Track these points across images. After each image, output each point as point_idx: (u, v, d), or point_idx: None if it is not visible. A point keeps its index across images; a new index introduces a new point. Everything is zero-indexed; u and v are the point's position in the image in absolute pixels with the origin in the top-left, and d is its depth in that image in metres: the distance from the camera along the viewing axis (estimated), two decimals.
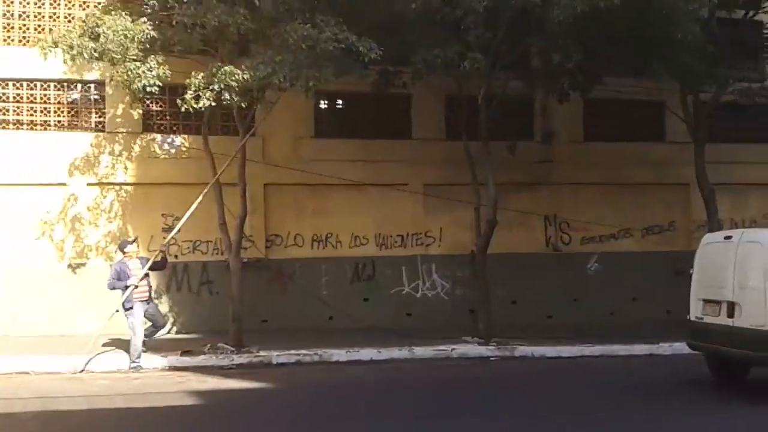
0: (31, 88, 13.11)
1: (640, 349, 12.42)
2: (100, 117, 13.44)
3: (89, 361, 10.49)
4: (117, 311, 10.83)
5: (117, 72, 10.27)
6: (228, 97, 9.54)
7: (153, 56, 10.01)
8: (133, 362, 10.52)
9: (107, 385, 9.39)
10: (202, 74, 9.69)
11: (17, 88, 13.06)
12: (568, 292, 15.23)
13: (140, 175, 13.36)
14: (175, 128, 13.68)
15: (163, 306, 13.27)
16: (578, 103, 15.38)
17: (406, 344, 12.07)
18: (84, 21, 10.14)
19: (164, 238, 12.58)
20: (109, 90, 12.98)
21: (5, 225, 12.82)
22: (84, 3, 13.21)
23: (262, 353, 11.30)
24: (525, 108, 15.45)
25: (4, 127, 12.95)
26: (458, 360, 11.81)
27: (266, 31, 9.68)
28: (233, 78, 9.16)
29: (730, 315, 8.93)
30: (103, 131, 13.36)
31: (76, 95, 13.27)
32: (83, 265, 13.09)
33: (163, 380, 9.74)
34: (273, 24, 9.57)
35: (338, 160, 14.26)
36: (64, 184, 13.05)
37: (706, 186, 13.98)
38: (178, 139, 13.57)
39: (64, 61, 10.35)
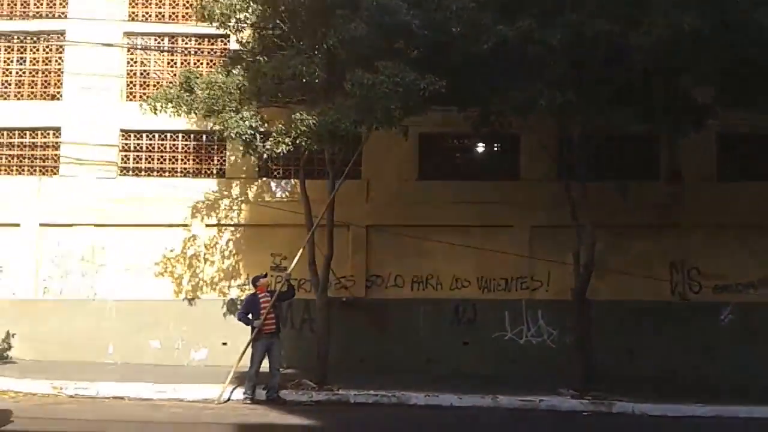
0: (162, 139, 14.70)
1: (763, 411, 10.92)
2: (221, 164, 14.68)
3: (230, 391, 11.11)
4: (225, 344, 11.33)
5: (216, 122, 11.22)
6: (304, 143, 10.04)
7: (246, 106, 10.81)
8: (245, 393, 10.98)
9: (177, 413, 9.98)
10: (282, 122, 10.32)
11: (149, 139, 14.71)
12: (696, 345, 13.81)
13: (253, 217, 14.34)
14: (287, 173, 14.53)
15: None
16: (710, 138, 14.18)
17: (492, 392, 11.60)
18: (181, 74, 11.25)
19: (272, 275, 13.36)
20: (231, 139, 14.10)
21: (132, 262, 14.34)
22: (198, 61, 14.62)
23: (341, 392, 11.46)
24: (648, 145, 14.49)
25: (137, 175, 14.59)
26: (545, 413, 11.14)
27: (340, 79, 10.07)
28: (304, 124, 9.65)
29: None
30: (223, 177, 14.57)
31: (199, 144, 14.61)
32: (198, 299, 14.21)
33: (231, 411, 10.24)
34: (344, 72, 9.94)
35: (442, 201, 14.29)
36: (186, 225, 14.36)
37: None
38: (289, 183, 14.39)
39: (168, 114, 11.46)
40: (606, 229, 14.15)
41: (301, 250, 11.68)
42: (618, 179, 13.99)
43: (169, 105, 10.95)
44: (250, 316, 11.23)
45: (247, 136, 10.95)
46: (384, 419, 10.28)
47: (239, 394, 11.13)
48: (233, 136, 10.94)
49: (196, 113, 11.47)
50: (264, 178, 14.50)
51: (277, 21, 11.09)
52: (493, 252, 14.26)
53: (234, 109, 10.87)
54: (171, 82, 12.67)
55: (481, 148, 14.86)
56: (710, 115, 11.70)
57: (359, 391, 11.45)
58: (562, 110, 10.52)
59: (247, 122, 10.77)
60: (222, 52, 14.09)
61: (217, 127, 11.27)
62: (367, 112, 9.49)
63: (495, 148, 14.91)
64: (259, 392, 11.12)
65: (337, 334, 13.82)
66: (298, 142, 10.13)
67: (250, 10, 11.25)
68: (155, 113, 11.26)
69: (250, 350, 11.36)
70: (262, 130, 11.00)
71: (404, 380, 12.09)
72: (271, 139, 10.49)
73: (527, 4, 9.64)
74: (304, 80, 10.08)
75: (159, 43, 14.83)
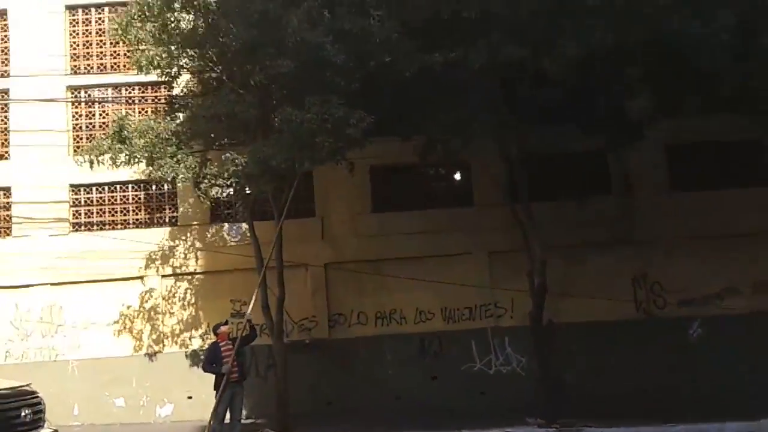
0: (112, 191, 14.60)
1: (732, 428, 10.66)
2: (173, 212, 14.56)
3: None
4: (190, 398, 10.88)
5: (154, 169, 11.14)
6: (235, 185, 9.95)
7: (182, 151, 10.73)
8: None
9: None
10: (215, 165, 10.24)
11: (99, 192, 14.61)
12: (665, 362, 13.56)
13: (209, 264, 14.15)
14: (239, 216, 14.37)
15: None
16: (659, 149, 14.19)
17: (459, 426, 11.31)
18: (113, 125, 11.19)
19: (233, 322, 13.09)
20: (180, 186, 14.05)
21: (87, 319, 14.08)
22: (143, 109, 14.60)
23: None
24: (598, 160, 14.45)
25: (89, 229, 14.44)
26: None
27: (270, 117, 10.02)
28: (234, 164, 9.57)
29: None
30: (176, 225, 14.43)
31: (149, 194, 14.50)
32: (160, 353, 13.93)
33: None
34: (275, 109, 9.89)
35: (397, 233, 14.18)
36: (142, 277, 14.16)
37: None
38: (242, 227, 14.24)
39: (106, 166, 11.37)
40: (563, 249, 14.09)
41: (255, 294, 11.45)
42: (572, 197, 14.00)
43: (105, 156, 10.85)
44: (224, 367, 10.88)
45: (187, 180, 10.87)
46: None
47: None
48: (171, 181, 10.82)
49: (135, 162, 11.36)
50: (217, 224, 14.35)
51: (210, 64, 11.11)
52: (454, 281, 14.10)
53: (170, 154, 10.78)
54: (104, 133, 12.55)
55: (432, 176, 14.79)
56: (645, 127, 11.68)
57: None
58: (497, 131, 10.48)
59: (181, 165, 10.63)
60: (166, 99, 14.10)
61: (155, 174, 11.15)
62: (297, 149, 9.40)
63: (446, 176, 14.84)
64: None
65: (303, 377, 13.61)
66: (230, 183, 10.01)
67: (185, 57, 11.29)
68: (90, 167, 11.17)
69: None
70: (205, 172, 10.86)
71: (371, 421, 11.81)
72: (205, 181, 10.39)
73: (448, 31, 9.66)
74: (236, 118, 10.00)
75: (102, 94, 14.83)
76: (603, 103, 11.02)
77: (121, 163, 11.30)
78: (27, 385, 8.06)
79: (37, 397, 8.01)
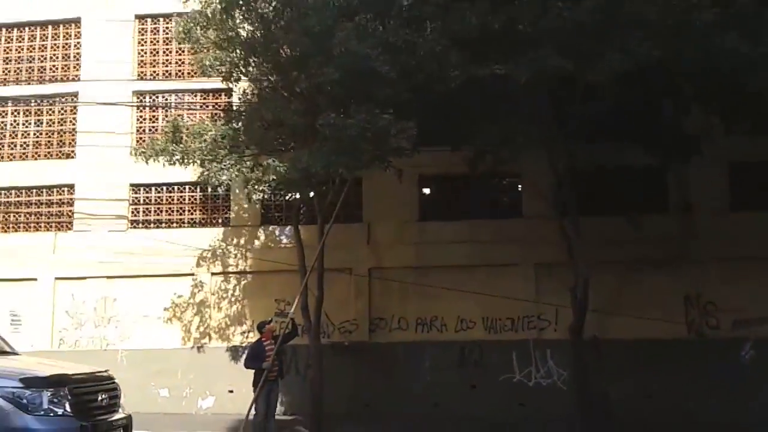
0: (170, 191, 15.16)
1: None
2: (225, 213, 15.01)
3: None
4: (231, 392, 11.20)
5: (205, 171, 11.53)
6: (279, 190, 10.21)
7: (231, 156, 11.08)
8: None
9: None
10: (260, 171, 10.52)
11: (158, 192, 15.20)
12: (717, 385, 13.15)
13: (257, 264, 14.52)
14: (289, 220, 14.65)
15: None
16: (722, 168, 13.81)
17: None
18: (167, 125, 11.63)
19: (276, 321, 13.37)
20: (236, 189, 14.46)
21: (137, 312, 14.68)
22: (203, 115, 15.09)
23: None
24: (656, 177, 14.15)
25: (146, 227, 15.04)
26: None
27: (316, 124, 10.22)
28: (275, 171, 9.83)
29: None
30: (228, 226, 14.87)
31: (205, 195, 14.98)
32: (205, 347, 14.38)
33: None
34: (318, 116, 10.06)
35: (443, 242, 14.21)
36: (193, 274, 14.65)
37: None
38: (291, 231, 14.52)
39: (161, 164, 11.81)
40: (616, 265, 13.90)
41: (298, 295, 11.71)
42: (625, 213, 13.73)
43: (160, 156, 11.31)
44: (265, 364, 11.11)
45: (235, 183, 11.20)
46: None
47: None
48: (217, 184, 11.17)
49: (189, 163, 11.78)
50: (266, 226, 14.70)
51: (265, 72, 11.41)
52: (498, 291, 14.03)
53: (222, 157, 11.14)
54: (160, 134, 12.99)
55: (482, 187, 14.72)
56: (701, 143, 11.37)
57: None
58: (543, 144, 10.39)
59: (232, 169, 10.96)
60: (224, 105, 14.55)
61: (206, 176, 11.53)
62: (336, 156, 9.57)
63: (496, 187, 14.78)
64: None
65: (342, 379, 13.81)
66: (272, 188, 10.27)
67: (244, 64, 11.59)
68: (146, 162, 11.66)
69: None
70: (249, 176, 11.19)
71: (406, 426, 11.87)
72: (248, 187, 10.70)
73: (497, 43, 9.65)
74: (284, 125, 10.25)
75: (166, 99, 15.42)
76: (655, 119, 10.83)
77: (176, 162, 11.71)
78: (105, 371, 8.21)
79: (114, 383, 8.12)
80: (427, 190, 14.75)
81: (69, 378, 7.28)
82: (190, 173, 13.82)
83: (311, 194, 11.15)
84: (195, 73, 14.75)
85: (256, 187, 10.59)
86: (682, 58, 8.77)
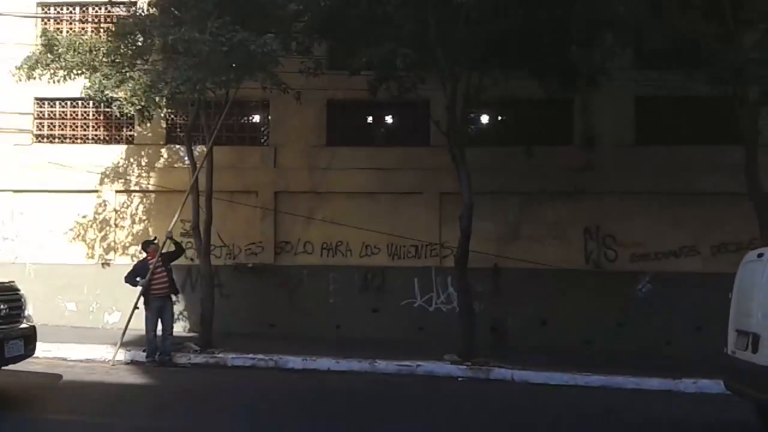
0: (74, 106, 14.84)
1: (653, 383, 10.59)
2: (130, 131, 14.76)
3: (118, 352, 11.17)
4: (137, 308, 11.37)
5: (86, 87, 11.24)
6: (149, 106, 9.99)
7: (109, 68, 10.76)
8: (147, 357, 11.03)
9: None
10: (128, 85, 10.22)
11: (62, 107, 14.86)
12: (612, 315, 13.47)
13: (161, 183, 14.38)
14: (195, 138, 14.45)
15: (179, 306, 14.11)
16: (628, 101, 13.69)
17: (388, 357, 11.41)
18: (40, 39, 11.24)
19: (182, 242, 13.38)
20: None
21: (48, 227, 14.57)
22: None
23: (219, 355, 11.51)
24: (562, 109, 14.03)
25: (51, 142, 14.79)
26: (419, 377, 11.01)
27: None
28: (129, 87, 9.60)
29: (754, 350, 7.24)
30: (132, 143, 14.64)
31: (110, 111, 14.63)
32: (110, 263, 14.41)
33: (90, 371, 10.37)
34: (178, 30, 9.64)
35: (350, 168, 14.14)
36: (96, 192, 14.52)
37: (758, 191, 11.46)
38: (196, 149, 14.33)
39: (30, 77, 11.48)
40: (518, 196, 13.98)
41: (176, 215, 11.67)
42: (529, 144, 13.70)
43: (35, 71, 10.99)
44: (140, 279, 11.20)
45: (101, 97, 10.94)
46: (240, 380, 10.27)
47: (124, 355, 11.28)
48: (92, 97, 10.92)
49: (75, 77, 11.46)
50: (172, 145, 14.50)
51: None
52: (403, 219, 14.10)
53: (101, 72, 10.82)
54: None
55: (391, 114, 14.55)
56: (599, 75, 11.18)
57: (238, 354, 11.47)
58: (425, 69, 10.17)
59: (96, 82, 10.65)
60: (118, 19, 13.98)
61: (86, 92, 11.23)
62: (194, 72, 9.31)
63: (405, 115, 14.58)
64: None
65: (247, 300, 14.00)
66: (144, 104, 10.05)
67: None
68: (24, 80, 11.35)
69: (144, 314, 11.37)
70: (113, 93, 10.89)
71: (307, 346, 12.08)
72: (116, 102, 10.47)
73: None
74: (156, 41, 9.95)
75: (71, 12, 14.86)
76: (546, 48, 10.60)
77: (60, 78, 11.39)
78: (8, 283, 8.14)
79: (17, 294, 8.12)
80: (335, 115, 14.50)
81: None
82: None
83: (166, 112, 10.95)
84: None
85: (127, 100, 10.32)
86: None
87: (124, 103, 10.45)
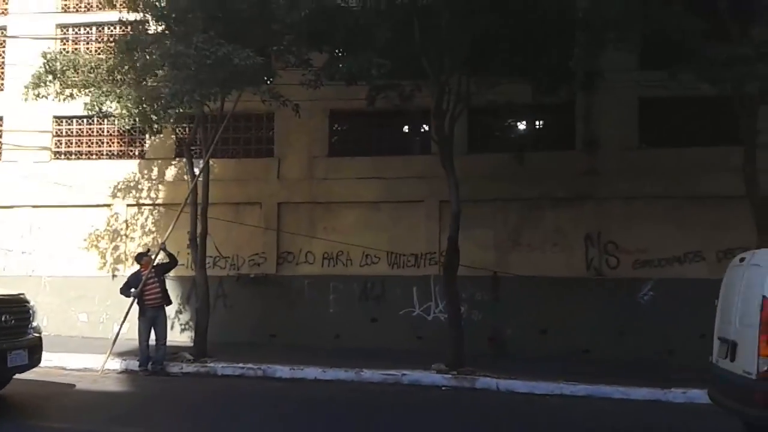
0: (90, 124, 15.52)
1: (641, 393, 10.36)
2: (142, 146, 15.35)
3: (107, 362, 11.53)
4: (126, 320, 11.69)
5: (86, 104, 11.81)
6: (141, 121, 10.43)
7: (109, 85, 11.29)
8: (140, 366, 11.37)
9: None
10: (127, 101, 10.71)
11: (79, 124, 15.57)
12: (613, 323, 13.20)
13: (170, 196, 14.85)
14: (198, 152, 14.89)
15: (184, 316, 14.55)
16: (631, 103, 13.54)
17: (381, 367, 11.44)
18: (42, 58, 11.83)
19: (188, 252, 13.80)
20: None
21: (63, 240, 15.21)
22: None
23: (210, 364, 11.71)
24: (564, 114, 13.98)
25: (68, 158, 15.49)
26: (404, 387, 10.98)
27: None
28: (120, 104, 10.04)
29: (732, 357, 7.13)
30: (143, 158, 15.22)
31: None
32: (120, 275, 14.88)
33: (79, 379, 10.65)
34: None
35: (351, 178, 14.35)
36: (109, 205, 15.11)
37: (756, 195, 11.17)
38: (201, 163, 14.78)
39: (37, 96, 12.07)
40: (518, 203, 13.94)
41: (170, 227, 12.06)
42: (530, 150, 13.69)
43: (39, 89, 11.59)
44: (133, 290, 11.57)
45: (99, 114, 11.44)
46: (224, 389, 10.44)
47: (119, 364, 11.62)
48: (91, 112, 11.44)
49: (78, 96, 12.04)
50: (181, 159, 14.99)
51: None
52: (403, 228, 14.22)
53: (103, 90, 11.34)
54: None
55: (391, 124, 14.73)
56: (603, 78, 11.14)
57: (228, 363, 11.67)
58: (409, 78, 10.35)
59: (96, 98, 11.14)
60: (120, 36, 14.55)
61: (88, 108, 11.77)
62: (182, 85, 9.67)
63: (405, 124, 14.75)
64: None
65: (248, 310, 14.28)
66: (137, 118, 10.48)
67: None
68: (35, 99, 11.97)
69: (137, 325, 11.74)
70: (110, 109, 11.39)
71: (303, 355, 12.20)
72: (111, 118, 10.95)
73: None
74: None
75: (88, 33, 15.62)
76: (542, 52, 10.66)
77: (67, 96, 11.99)
78: (17, 295, 8.44)
79: (25, 306, 8.40)
80: (337, 126, 14.78)
81: None
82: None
83: (161, 126, 11.37)
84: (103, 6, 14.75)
85: (121, 115, 10.79)
86: None
87: (118, 117, 10.90)
